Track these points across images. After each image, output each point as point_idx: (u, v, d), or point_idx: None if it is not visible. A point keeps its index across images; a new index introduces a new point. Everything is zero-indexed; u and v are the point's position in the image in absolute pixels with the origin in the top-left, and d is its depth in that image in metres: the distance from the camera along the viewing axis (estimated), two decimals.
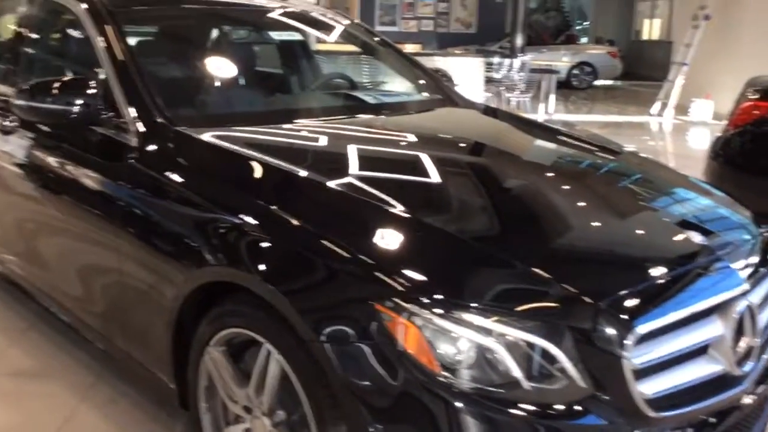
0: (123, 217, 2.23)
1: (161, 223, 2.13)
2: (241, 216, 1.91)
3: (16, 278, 3.10)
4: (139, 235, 2.17)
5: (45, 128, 2.62)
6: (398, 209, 1.87)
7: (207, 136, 2.27)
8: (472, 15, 18.64)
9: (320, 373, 1.65)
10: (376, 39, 3.51)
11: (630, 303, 1.67)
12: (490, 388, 1.54)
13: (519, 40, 12.02)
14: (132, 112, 2.34)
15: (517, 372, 1.54)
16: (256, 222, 1.88)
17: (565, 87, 15.58)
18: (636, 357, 1.60)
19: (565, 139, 2.90)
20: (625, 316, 1.62)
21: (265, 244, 1.83)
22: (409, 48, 10.57)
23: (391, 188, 2.02)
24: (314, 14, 3.48)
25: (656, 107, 11.87)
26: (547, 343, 1.56)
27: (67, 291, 2.71)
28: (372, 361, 1.57)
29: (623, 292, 1.69)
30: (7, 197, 2.92)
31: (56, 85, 2.37)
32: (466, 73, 7.49)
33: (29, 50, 3.09)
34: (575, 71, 16.73)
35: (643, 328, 1.61)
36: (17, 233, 2.97)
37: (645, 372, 1.63)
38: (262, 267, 1.80)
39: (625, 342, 1.58)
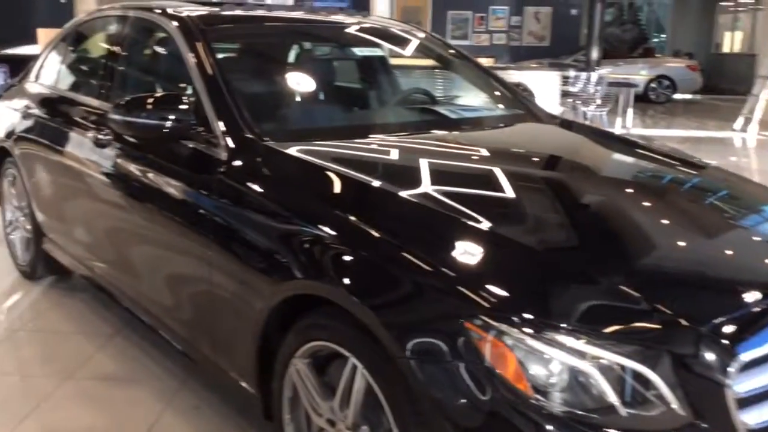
0: (212, 228, 2.28)
1: (249, 236, 2.16)
2: (327, 230, 1.92)
3: (104, 284, 3.21)
4: (228, 246, 2.21)
5: (136, 141, 2.70)
6: (482, 224, 1.86)
7: (294, 151, 2.31)
8: (545, 28, 18.43)
9: (407, 390, 1.63)
10: (456, 53, 3.51)
11: (731, 328, 1.60)
12: (583, 413, 1.49)
13: (595, 54, 11.82)
14: (222, 126, 2.40)
15: (612, 397, 1.49)
16: (342, 236, 1.89)
17: (643, 101, 15.20)
18: (738, 385, 1.53)
19: (649, 154, 2.83)
20: (727, 342, 1.55)
21: (350, 258, 1.83)
22: (482, 62, 10.53)
23: (475, 203, 2.01)
24: (393, 29, 3.50)
25: (739, 122, 11.43)
26: (644, 367, 1.51)
27: (154, 298, 2.79)
28: (460, 379, 1.55)
29: (724, 317, 1.62)
30: (99, 206, 3.04)
31: (150, 100, 2.45)
32: (542, 87, 7.40)
33: (121, 66, 3.20)
34: (653, 85, 16.33)
35: (747, 356, 1.54)
36: (108, 241, 3.08)
37: (748, 401, 1.56)
38: (347, 281, 1.80)
39: (728, 369, 1.52)
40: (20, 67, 6.77)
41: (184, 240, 2.42)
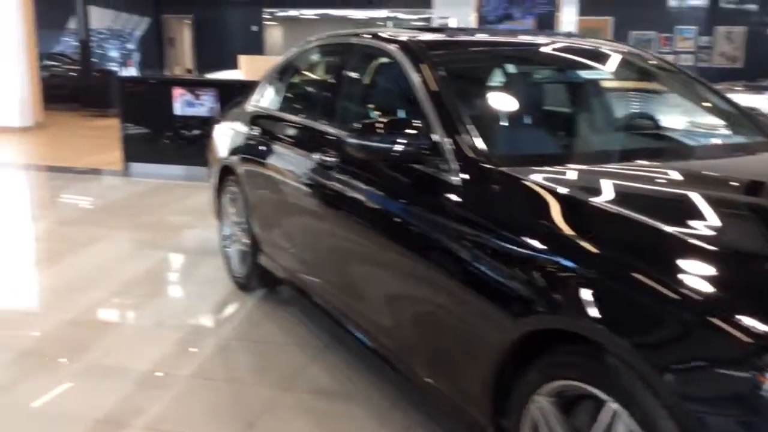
0: (440, 254, 2.26)
1: (485, 265, 2.09)
2: (575, 262, 1.82)
3: (317, 298, 3.31)
4: (461, 274, 2.17)
5: (363, 164, 2.74)
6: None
7: (534, 178, 2.22)
8: (738, 49, 17.14)
9: None
10: (685, 76, 3.30)
11: None
12: None
13: None
14: (453, 151, 2.38)
15: None
16: (592, 269, 1.78)
17: None
18: None
19: None
20: None
21: (606, 293, 1.71)
22: None
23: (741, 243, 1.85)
24: (616, 50, 3.33)
25: None
26: None
27: (369, 315, 2.83)
28: None
29: None
30: (317, 224, 3.14)
31: (381, 125, 2.49)
32: None
33: (345, 91, 3.30)
34: None
35: None
36: (325, 257, 3.18)
37: None
38: (603, 315, 1.68)
39: None
40: (227, 90, 7.32)
41: (408, 262, 2.43)
